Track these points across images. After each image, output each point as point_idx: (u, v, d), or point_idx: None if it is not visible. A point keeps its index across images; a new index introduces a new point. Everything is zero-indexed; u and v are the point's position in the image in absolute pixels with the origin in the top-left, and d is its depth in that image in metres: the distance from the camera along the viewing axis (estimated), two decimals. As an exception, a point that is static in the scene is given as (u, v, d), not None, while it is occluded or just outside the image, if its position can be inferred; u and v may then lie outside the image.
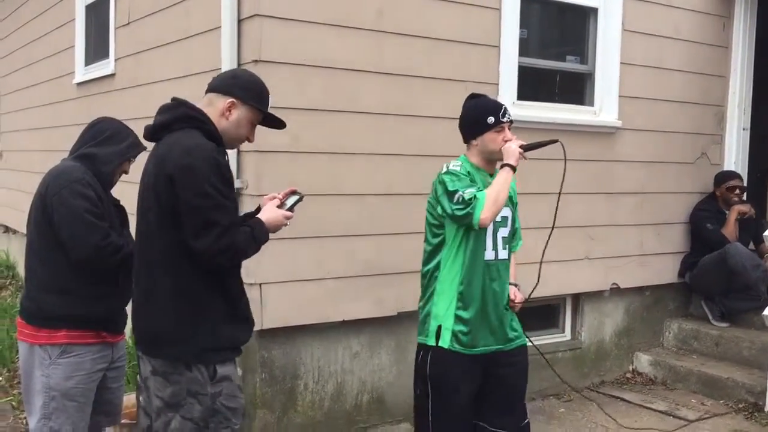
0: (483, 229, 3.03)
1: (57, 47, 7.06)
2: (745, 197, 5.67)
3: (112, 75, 5.67)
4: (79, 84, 6.41)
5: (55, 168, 2.98)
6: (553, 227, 3.28)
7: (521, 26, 4.67)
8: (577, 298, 5.23)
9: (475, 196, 2.92)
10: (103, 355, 2.98)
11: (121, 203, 3.12)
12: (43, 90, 7.52)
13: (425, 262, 3.21)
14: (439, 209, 3.06)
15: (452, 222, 3.04)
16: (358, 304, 4.11)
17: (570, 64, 5.15)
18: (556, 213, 3.26)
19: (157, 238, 2.45)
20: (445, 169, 3.09)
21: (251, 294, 3.79)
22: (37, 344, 2.88)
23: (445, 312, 3.09)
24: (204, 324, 2.47)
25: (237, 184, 3.91)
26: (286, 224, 2.65)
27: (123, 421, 3.69)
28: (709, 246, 5.41)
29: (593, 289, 5.19)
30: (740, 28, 5.73)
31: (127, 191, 3.36)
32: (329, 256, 4.01)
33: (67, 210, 2.81)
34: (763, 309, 4.64)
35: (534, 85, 4.90)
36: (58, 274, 2.87)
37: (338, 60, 3.98)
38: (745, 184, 5.75)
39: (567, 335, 5.26)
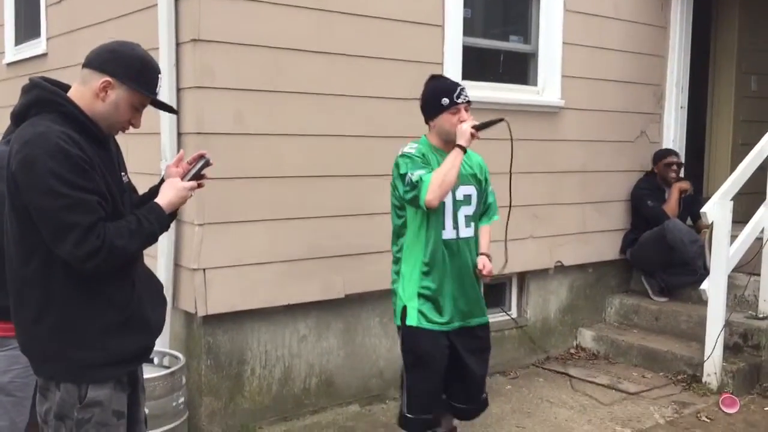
0: (440, 209, 3.08)
1: (-15, 26, 6.75)
2: (682, 173, 5.82)
3: (45, 55, 5.46)
4: (9, 64, 6.15)
5: None
6: (510, 206, 3.36)
7: (465, 6, 4.66)
8: (523, 277, 5.29)
9: (421, 178, 2.96)
10: None
11: None
12: (-29, 71, 7.20)
13: (393, 243, 3.28)
14: (398, 192, 3.12)
15: (408, 204, 3.10)
16: (306, 287, 4.07)
17: (513, 44, 5.16)
18: (510, 192, 3.31)
19: (20, 243, 2.14)
20: (400, 152, 3.14)
21: (195, 279, 3.73)
22: None
23: (409, 291, 3.17)
24: (79, 336, 2.16)
25: (178, 167, 3.82)
26: (190, 195, 2.34)
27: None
28: (650, 222, 5.54)
29: (538, 267, 5.25)
30: (678, 8, 5.83)
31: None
32: (275, 240, 3.95)
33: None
34: (700, 283, 4.78)
35: (478, 64, 4.91)
36: None
37: (281, 39, 3.90)
38: (683, 162, 5.90)
39: (513, 313, 5.33)
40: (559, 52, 5.15)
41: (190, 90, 3.74)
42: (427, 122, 3.22)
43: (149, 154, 4.00)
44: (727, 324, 4.74)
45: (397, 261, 3.25)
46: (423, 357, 3.17)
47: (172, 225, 3.81)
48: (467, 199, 3.21)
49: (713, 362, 4.63)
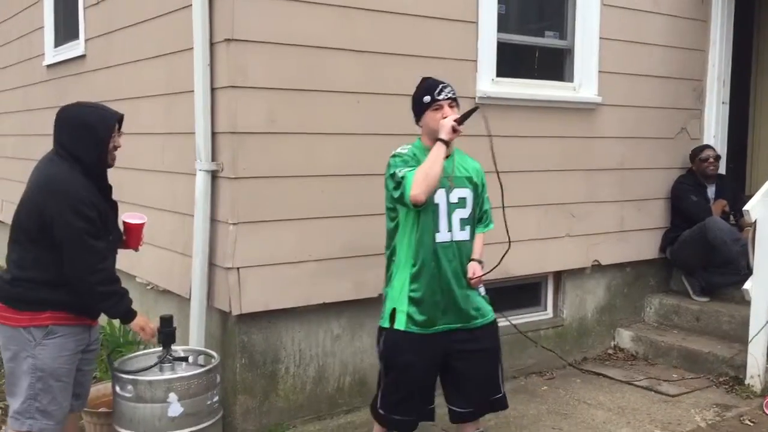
0: (433, 210, 3.09)
1: (26, 29, 6.89)
2: (724, 169, 5.67)
3: (83, 56, 5.53)
4: (49, 66, 6.26)
5: (49, 174, 2.89)
6: (503, 206, 3.16)
7: (499, 1, 4.60)
8: (559, 276, 5.22)
9: (405, 175, 2.98)
10: (82, 338, 3.03)
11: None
12: (13, 73, 7.34)
13: (386, 247, 3.29)
14: (388, 192, 3.15)
15: (398, 204, 3.10)
16: (339, 286, 4.06)
17: (549, 40, 5.08)
18: (502, 192, 3.14)
19: None
20: (392, 153, 3.17)
21: (229, 278, 3.75)
22: (20, 327, 2.88)
23: (398, 294, 3.17)
24: None
25: (212, 166, 3.84)
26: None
27: (101, 409, 3.65)
28: (693, 218, 5.40)
29: (574, 266, 5.18)
30: (719, 0, 5.69)
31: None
32: (308, 239, 3.95)
33: (68, 231, 2.81)
34: (743, 283, 4.66)
35: (513, 61, 4.84)
36: (43, 270, 2.88)
37: (312, 38, 3.89)
38: (724, 158, 5.75)
39: (549, 313, 5.26)
40: (596, 47, 5.06)
41: (224, 90, 3.75)
42: (417, 124, 3.24)
43: (185, 154, 4.04)
44: (772, 325, 4.62)
45: (389, 264, 3.26)
46: (403, 366, 3.15)
47: (207, 225, 3.86)
48: (462, 201, 3.19)
49: (757, 364, 4.51)
